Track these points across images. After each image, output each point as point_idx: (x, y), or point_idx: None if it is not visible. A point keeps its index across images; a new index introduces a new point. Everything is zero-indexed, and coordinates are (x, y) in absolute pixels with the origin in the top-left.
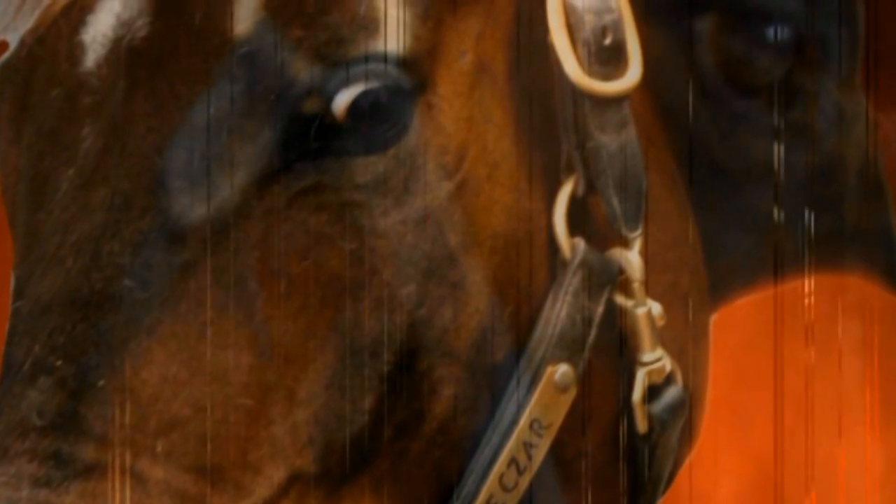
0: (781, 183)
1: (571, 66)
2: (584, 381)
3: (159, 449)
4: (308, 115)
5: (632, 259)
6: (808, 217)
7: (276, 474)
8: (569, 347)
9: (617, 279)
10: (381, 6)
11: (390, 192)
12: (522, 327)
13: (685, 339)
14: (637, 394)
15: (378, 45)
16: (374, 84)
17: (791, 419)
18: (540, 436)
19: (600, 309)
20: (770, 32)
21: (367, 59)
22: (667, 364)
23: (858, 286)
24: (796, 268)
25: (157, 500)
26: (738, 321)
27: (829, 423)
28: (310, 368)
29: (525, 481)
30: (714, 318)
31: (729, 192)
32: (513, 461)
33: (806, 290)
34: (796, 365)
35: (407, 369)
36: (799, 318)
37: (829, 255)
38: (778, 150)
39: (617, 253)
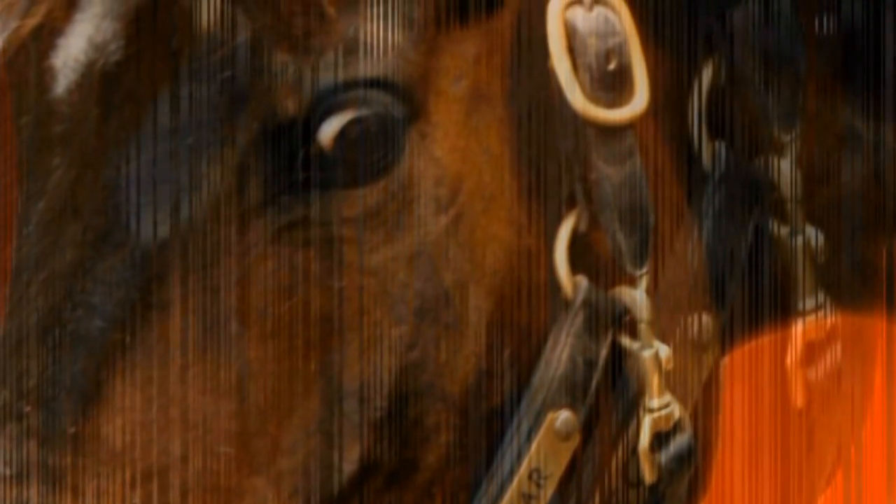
0: (783, 198)
1: (573, 93)
2: (587, 428)
3: (136, 501)
4: (293, 145)
5: (638, 298)
6: (816, 241)
7: None
8: (571, 392)
9: (622, 320)
10: (372, 29)
11: (381, 226)
12: (522, 371)
13: (695, 384)
14: (643, 442)
15: (368, 71)
16: (363, 111)
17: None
18: (540, 486)
19: (604, 351)
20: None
21: (355, 84)
22: (675, 410)
23: (870, 323)
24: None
25: None
26: (751, 362)
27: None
28: (295, 414)
29: None
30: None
31: (744, 219)
32: None
33: (805, 310)
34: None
35: (398, 415)
36: (806, 354)
37: (844, 292)
38: (777, 165)
39: (622, 292)
